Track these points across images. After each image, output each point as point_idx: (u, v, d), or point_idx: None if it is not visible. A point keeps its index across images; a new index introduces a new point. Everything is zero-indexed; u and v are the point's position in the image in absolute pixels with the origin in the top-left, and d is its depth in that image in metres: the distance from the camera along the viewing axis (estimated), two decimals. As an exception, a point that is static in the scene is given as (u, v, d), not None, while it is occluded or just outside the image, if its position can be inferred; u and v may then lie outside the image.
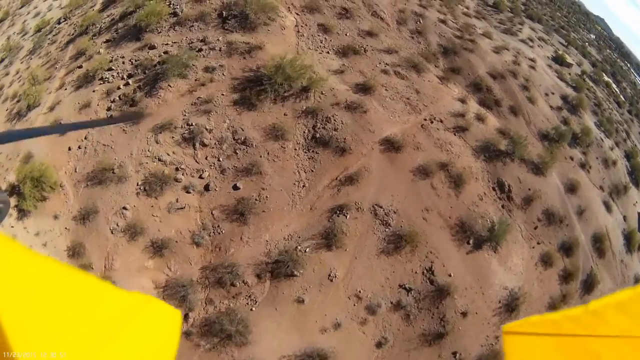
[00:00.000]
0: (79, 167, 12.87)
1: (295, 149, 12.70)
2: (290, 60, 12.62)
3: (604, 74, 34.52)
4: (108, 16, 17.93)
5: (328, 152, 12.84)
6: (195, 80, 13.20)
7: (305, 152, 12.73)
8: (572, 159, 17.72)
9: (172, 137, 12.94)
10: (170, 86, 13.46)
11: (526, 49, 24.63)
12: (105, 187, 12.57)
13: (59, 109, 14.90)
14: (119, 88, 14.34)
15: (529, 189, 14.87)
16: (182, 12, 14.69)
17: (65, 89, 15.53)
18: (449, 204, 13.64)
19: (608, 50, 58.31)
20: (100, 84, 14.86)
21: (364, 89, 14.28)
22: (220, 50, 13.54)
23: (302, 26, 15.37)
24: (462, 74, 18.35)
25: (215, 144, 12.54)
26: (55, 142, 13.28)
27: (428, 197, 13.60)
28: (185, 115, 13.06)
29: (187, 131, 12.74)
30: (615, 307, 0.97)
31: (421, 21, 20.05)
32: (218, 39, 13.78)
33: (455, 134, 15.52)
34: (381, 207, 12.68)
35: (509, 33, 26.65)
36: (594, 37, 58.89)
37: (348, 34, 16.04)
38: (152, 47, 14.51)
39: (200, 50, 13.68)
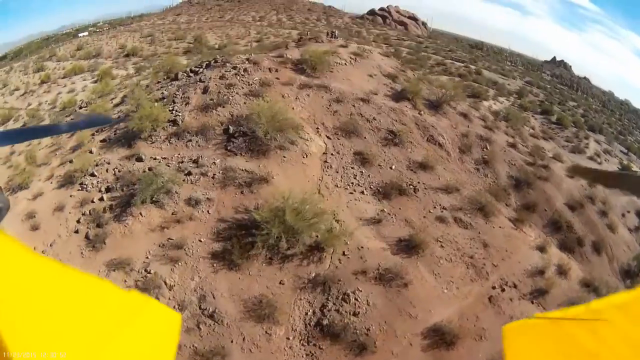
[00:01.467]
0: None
1: (289, 338, 8.77)
2: (299, 202, 9.26)
3: (664, 176, 34.76)
4: (118, 112, 16.57)
5: (338, 348, 8.75)
6: (173, 213, 10.23)
7: (303, 345, 8.72)
8: (650, 289, 14.13)
9: (125, 281, 9.82)
10: (141, 214, 10.63)
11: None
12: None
13: (38, 202, 13.54)
14: (92, 201, 12.32)
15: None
16: (182, 122, 12.32)
17: (51, 183, 14.35)
18: None
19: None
20: (79, 189, 13.13)
21: (408, 247, 10.46)
22: (213, 177, 10.65)
23: (332, 154, 12.20)
24: (537, 211, 15.22)
25: (174, 307, 9.12)
26: (24, 238, 11.66)
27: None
28: (148, 257, 9.93)
29: (142, 279, 9.54)
30: (617, 307, 0.97)
31: (488, 147, 16.80)
32: (214, 162, 10.98)
33: (532, 302, 11.39)
34: None
35: (577, 152, 27.19)
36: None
37: (394, 167, 12.77)
38: (139, 159, 12.10)
39: (189, 173, 10.87)
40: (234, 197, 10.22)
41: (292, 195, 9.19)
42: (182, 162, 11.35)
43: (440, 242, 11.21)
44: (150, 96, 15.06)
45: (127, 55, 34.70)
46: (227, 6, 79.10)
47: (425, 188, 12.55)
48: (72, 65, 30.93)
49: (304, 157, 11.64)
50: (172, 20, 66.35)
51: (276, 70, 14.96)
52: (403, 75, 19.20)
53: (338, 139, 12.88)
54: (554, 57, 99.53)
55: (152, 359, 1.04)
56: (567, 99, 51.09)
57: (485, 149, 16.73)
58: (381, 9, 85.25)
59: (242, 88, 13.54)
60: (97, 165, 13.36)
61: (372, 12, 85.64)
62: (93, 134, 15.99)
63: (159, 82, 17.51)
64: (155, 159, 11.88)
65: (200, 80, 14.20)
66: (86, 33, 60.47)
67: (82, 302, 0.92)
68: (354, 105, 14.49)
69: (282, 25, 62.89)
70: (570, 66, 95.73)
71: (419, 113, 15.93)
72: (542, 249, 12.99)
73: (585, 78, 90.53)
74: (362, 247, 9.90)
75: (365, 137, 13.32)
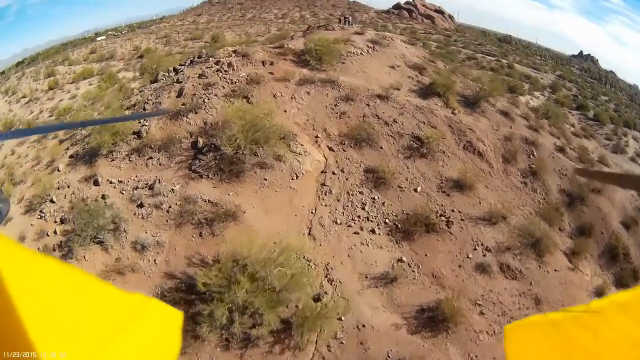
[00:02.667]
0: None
1: None
2: (264, 261, 6.05)
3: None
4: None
5: None
6: (116, 260, 7.33)
7: None
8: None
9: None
10: (85, 258, 7.79)
11: (638, 170, 23.06)
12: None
13: (8, 229, 11.43)
14: (47, 234, 9.91)
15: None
16: (146, 134, 9.39)
17: (20, 207, 12.05)
18: None
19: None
20: (38, 218, 10.72)
21: (434, 320, 6.85)
22: (168, 211, 7.62)
23: (333, 173, 8.79)
24: (594, 235, 12.01)
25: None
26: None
27: None
28: (81, 321, 7.24)
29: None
30: (617, 306, 0.95)
31: (535, 153, 13.13)
32: (172, 189, 7.90)
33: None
34: None
35: (618, 151, 25.93)
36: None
37: (420, 189, 9.21)
38: (96, 183, 9.30)
39: (141, 205, 8.02)
40: (189, 241, 7.13)
41: (256, 249, 5.90)
42: (136, 187, 8.40)
43: (480, 305, 7.73)
44: (126, 102, 12.24)
45: (140, 57, 32.51)
46: (248, 4, 76.55)
47: (462, 219, 8.98)
48: (82, 69, 28.89)
49: (292, 179, 8.24)
50: (191, 20, 64.40)
51: (271, 64, 11.65)
52: (432, 67, 15.59)
53: (344, 150, 9.40)
54: (581, 51, 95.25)
55: (155, 358, 1.00)
56: (599, 93, 47.34)
57: (531, 156, 13.09)
58: (407, 3, 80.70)
59: (223, 88, 10.28)
60: (58, 188, 10.86)
61: (397, 6, 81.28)
62: (67, 148, 13.53)
63: (142, 86, 14.72)
64: (111, 182, 8.98)
65: (178, 81, 11.11)
66: (104, 37, 59.39)
67: (84, 302, 0.87)
68: (368, 104, 10.99)
69: (305, 21, 59.68)
70: (597, 60, 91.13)
71: (452, 112, 12.36)
72: (600, 292, 10.32)
73: (611, 72, 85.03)
74: (364, 326, 6.48)
75: (381, 147, 9.80)
